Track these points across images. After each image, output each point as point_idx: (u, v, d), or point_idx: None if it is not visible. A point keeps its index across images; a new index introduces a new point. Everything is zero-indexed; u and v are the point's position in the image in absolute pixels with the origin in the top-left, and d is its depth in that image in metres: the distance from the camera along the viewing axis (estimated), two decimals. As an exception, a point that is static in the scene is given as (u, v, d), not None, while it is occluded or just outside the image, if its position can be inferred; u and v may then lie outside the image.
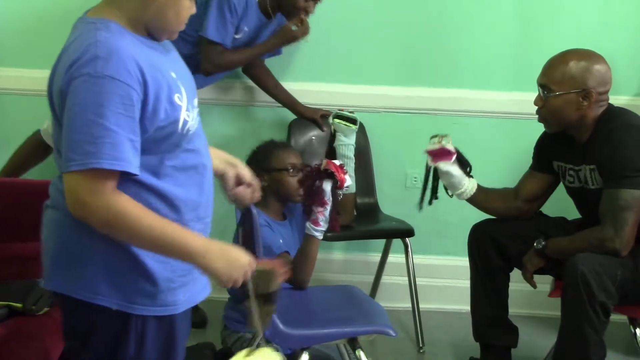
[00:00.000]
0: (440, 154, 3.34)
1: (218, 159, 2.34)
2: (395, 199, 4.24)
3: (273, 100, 4.12)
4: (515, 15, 4.19)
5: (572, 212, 3.52)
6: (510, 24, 4.19)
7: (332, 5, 4.15)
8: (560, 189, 3.50)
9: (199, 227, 2.15)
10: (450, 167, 3.36)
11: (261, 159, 3.43)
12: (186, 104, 2.07)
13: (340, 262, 4.39)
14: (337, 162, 3.11)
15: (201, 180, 2.14)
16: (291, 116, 4.14)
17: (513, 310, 3.60)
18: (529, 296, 3.88)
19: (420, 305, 3.94)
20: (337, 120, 3.79)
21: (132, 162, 1.95)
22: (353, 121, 3.80)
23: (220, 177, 2.39)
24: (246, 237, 3.01)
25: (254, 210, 2.88)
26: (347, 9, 4.19)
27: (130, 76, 1.92)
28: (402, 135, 4.15)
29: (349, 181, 3.12)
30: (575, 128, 3.27)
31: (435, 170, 3.41)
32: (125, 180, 1.99)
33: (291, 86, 4.14)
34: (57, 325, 2.69)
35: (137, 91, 1.94)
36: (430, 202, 3.48)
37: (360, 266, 4.36)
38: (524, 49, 4.17)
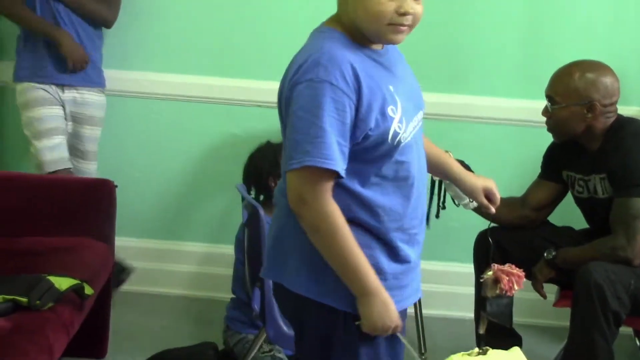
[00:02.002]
0: None
1: (470, 183, 2.53)
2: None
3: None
4: (526, 23, 4.18)
5: (578, 221, 3.52)
6: (520, 31, 4.18)
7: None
8: (567, 198, 3.50)
9: (402, 237, 2.18)
10: None
11: (271, 165, 3.44)
12: (399, 116, 2.11)
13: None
14: None
15: (409, 192, 2.18)
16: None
17: (517, 318, 3.57)
18: (533, 305, 3.86)
19: (424, 311, 3.92)
20: None
21: (339, 163, 2.03)
22: None
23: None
24: (253, 238, 3.02)
25: (261, 212, 2.89)
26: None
27: (346, 84, 2.03)
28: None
29: None
30: (584, 138, 3.28)
31: (441, 182, 3.42)
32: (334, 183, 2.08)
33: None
34: (61, 320, 2.72)
35: (352, 98, 2.03)
36: (437, 215, 3.50)
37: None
38: (534, 56, 4.16)
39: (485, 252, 3.49)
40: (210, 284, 4.30)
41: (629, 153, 3.15)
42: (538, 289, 3.34)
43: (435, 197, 3.48)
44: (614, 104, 3.25)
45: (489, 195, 2.55)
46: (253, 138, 3.95)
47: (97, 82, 3.93)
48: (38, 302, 2.66)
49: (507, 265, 2.49)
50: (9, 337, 2.51)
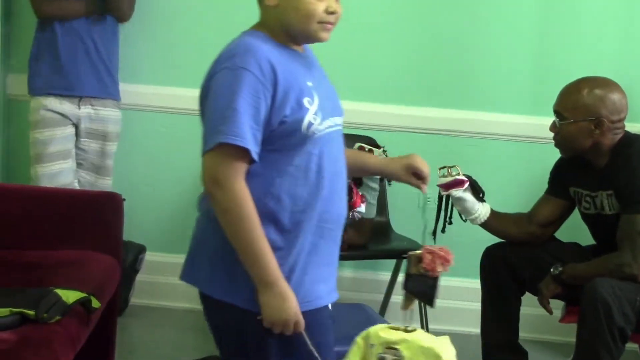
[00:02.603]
0: (453, 184, 3.35)
1: (391, 168, 2.50)
2: (407, 218, 4.24)
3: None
4: (534, 39, 4.19)
5: (584, 238, 3.52)
6: (528, 48, 4.20)
7: (350, 23, 4.16)
8: (573, 214, 3.49)
9: (314, 230, 2.21)
10: (462, 193, 3.37)
11: None
12: (315, 109, 2.17)
13: (351, 281, 4.38)
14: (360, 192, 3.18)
15: (320, 184, 2.21)
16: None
17: (523, 334, 3.59)
18: (539, 321, 3.86)
19: (430, 326, 3.92)
20: None
21: (251, 144, 2.09)
22: None
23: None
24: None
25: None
26: (364, 28, 4.20)
27: (261, 72, 2.10)
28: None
29: (362, 208, 3.18)
30: (591, 154, 3.29)
31: (448, 197, 3.43)
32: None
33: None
34: (68, 333, 2.71)
35: (266, 87, 2.11)
36: (443, 230, 3.50)
37: (370, 285, 4.35)
38: (542, 73, 4.17)
39: (493, 268, 3.49)
40: (216, 298, 4.30)
41: (637, 170, 3.16)
42: (544, 304, 3.34)
43: (442, 212, 3.49)
44: (621, 120, 3.26)
45: (416, 173, 2.53)
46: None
47: (112, 93, 3.96)
48: (45, 315, 2.65)
49: (438, 247, 2.48)
50: (16, 350, 2.50)
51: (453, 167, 3.36)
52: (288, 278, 2.17)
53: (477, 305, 3.59)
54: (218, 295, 2.20)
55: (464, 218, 3.48)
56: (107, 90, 3.92)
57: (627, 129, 3.30)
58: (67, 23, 3.81)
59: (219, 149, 2.08)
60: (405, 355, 2.23)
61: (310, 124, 2.16)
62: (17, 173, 4.29)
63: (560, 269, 3.28)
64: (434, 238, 3.56)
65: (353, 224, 3.42)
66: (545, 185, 3.54)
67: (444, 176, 3.36)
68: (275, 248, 2.15)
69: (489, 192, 3.49)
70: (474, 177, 3.42)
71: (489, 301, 3.52)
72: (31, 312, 2.64)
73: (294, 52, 2.24)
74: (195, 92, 4.19)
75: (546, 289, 3.31)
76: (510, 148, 4.23)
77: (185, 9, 4.22)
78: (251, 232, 2.10)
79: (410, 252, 2.49)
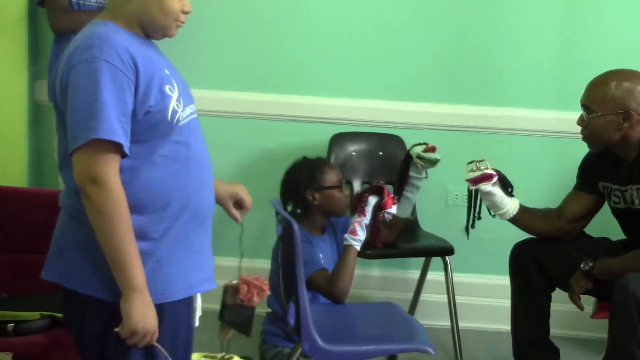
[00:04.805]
0: (482, 178, 3.34)
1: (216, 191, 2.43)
2: (436, 216, 4.23)
3: (313, 115, 4.18)
4: (560, 34, 4.17)
5: (615, 233, 3.49)
6: (554, 43, 4.17)
7: (378, 22, 4.17)
8: (603, 208, 3.47)
9: (189, 219, 2.22)
10: (491, 187, 3.36)
11: (310, 179, 3.44)
12: (177, 96, 2.20)
13: (379, 279, 4.38)
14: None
15: (188, 172, 2.22)
16: (332, 130, 4.14)
17: (554, 330, 3.57)
18: (570, 317, 3.84)
19: (460, 324, 3.90)
20: (418, 160, 3.68)
21: (123, 138, 2.08)
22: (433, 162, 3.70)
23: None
24: (287, 251, 3.03)
25: (295, 226, 2.89)
26: (391, 26, 4.19)
27: (122, 62, 2.09)
28: (444, 152, 4.10)
29: (393, 210, 3.20)
30: (620, 148, 3.26)
31: (477, 192, 3.41)
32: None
33: (335, 102, 4.16)
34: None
35: (129, 77, 2.10)
36: (473, 225, 3.49)
37: (399, 283, 4.35)
38: (569, 68, 4.15)
39: (522, 265, 3.48)
40: (246, 299, 4.30)
41: (667, 163, 3.13)
42: (575, 300, 3.31)
43: (472, 207, 3.48)
44: (650, 113, 3.23)
45: (238, 201, 2.55)
46: (288, 153, 3.96)
47: None
48: (75, 318, 2.67)
49: (254, 276, 2.49)
50: (47, 353, 2.53)
51: (482, 161, 3.36)
52: (160, 268, 2.17)
53: (508, 302, 3.57)
54: (84, 289, 2.16)
55: (492, 213, 3.47)
56: None
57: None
58: None
59: (92, 145, 2.05)
60: None
61: (174, 112, 2.17)
62: (47, 177, 4.32)
63: (590, 264, 3.25)
64: (467, 234, 3.56)
65: (384, 223, 3.44)
66: (574, 180, 3.51)
67: (472, 170, 3.36)
68: (147, 239, 2.14)
69: (517, 187, 3.47)
70: (502, 172, 3.41)
71: (519, 298, 3.50)
72: (61, 316, 2.66)
73: (147, 40, 2.27)
74: (218, 94, 4.22)
75: (577, 284, 3.28)
76: (537, 143, 4.21)
77: (205, 9, 4.21)
78: (124, 236, 2.07)
79: (226, 283, 2.50)
